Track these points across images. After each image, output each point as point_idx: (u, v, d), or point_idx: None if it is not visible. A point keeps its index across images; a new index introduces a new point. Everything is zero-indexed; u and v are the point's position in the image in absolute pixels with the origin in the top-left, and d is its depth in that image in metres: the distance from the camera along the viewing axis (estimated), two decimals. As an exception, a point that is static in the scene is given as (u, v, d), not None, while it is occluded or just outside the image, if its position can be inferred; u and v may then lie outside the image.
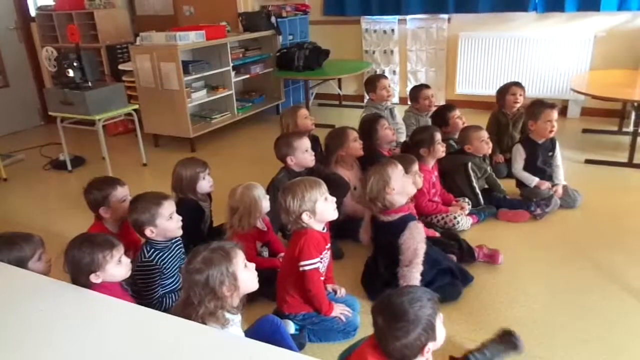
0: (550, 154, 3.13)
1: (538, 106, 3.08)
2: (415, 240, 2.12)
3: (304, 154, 2.69)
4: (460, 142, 3.12)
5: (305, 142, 2.71)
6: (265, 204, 2.34)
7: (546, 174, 3.11)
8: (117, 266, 1.75)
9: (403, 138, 3.64)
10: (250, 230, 2.32)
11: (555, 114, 3.03)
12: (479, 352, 1.86)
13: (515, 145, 3.18)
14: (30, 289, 1.48)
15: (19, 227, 2.47)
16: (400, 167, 2.23)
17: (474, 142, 3.01)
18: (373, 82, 3.77)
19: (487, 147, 3.03)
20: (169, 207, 2.02)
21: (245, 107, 5.08)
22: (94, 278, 1.69)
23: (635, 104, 3.61)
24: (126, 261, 1.79)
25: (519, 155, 3.11)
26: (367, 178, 2.21)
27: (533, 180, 3.06)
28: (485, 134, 3.04)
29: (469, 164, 3.01)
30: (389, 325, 1.30)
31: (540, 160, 3.09)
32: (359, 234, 2.49)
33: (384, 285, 2.21)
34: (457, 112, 3.44)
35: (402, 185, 2.19)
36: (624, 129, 4.33)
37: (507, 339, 1.91)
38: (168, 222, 2.02)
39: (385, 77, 3.86)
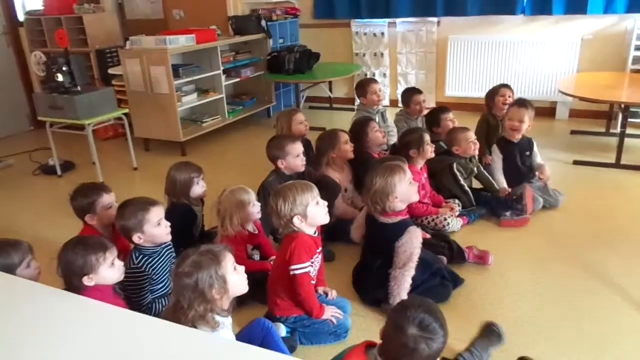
0: (527, 153, 3.17)
1: (509, 106, 3.21)
2: (413, 245, 2.14)
3: (295, 159, 2.70)
4: (447, 144, 3.14)
5: (298, 147, 2.72)
6: (253, 210, 2.33)
7: (522, 174, 3.14)
8: (110, 269, 1.75)
9: (394, 141, 3.66)
10: (240, 233, 2.32)
11: (522, 113, 3.08)
12: (467, 352, 1.88)
13: (493, 146, 3.23)
14: (18, 295, 1.47)
15: (7, 233, 2.46)
16: (408, 175, 2.19)
17: (462, 143, 3.04)
18: (364, 87, 3.78)
19: (474, 148, 3.06)
20: (157, 213, 2.01)
21: (235, 110, 5.08)
22: (87, 281, 1.69)
23: (622, 105, 3.66)
24: (119, 264, 1.79)
25: (496, 156, 3.18)
26: (372, 178, 2.16)
27: (502, 184, 3.12)
28: (472, 135, 3.07)
29: (454, 165, 3.03)
30: (424, 335, 1.30)
31: (517, 159, 3.13)
32: (349, 235, 2.50)
33: (376, 287, 2.23)
34: (450, 115, 3.48)
35: (406, 194, 2.17)
36: (611, 130, 4.38)
37: (489, 331, 1.96)
38: (156, 229, 2.00)
39: (376, 82, 3.87)
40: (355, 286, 2.36)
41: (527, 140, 3.19)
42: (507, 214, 2.92)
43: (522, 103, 3.15)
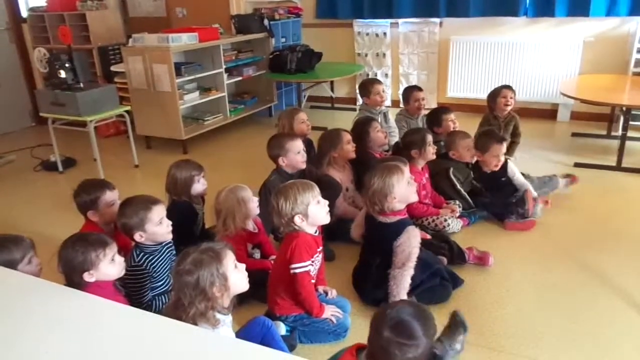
0: (503, 179, 3.08)
1: (487, 139, 3.06)
2: (411, 244, 2.14)
3: (296, 156, 2.70)
4: (446, 147, 3.14)
5: (298, 144, 2.72)
6: (252, 206, 2.33)
7: (501, 197, 3.03)
8: (111, 265, 1.75)
9: (395, 141, 3.66)
10: (240, 232, 2.32)
11: (503, 149, 3.02)
12: (437, 341, 1.86)
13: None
14: (20, 290, 1.47)
15: (8, 229, 2.46)
16: (406, 175, 2.19)
17: (460, 149, 3.03)
18: (367, 87, 3.78)
19: (471, 155, 3.04)
20: (158, 212, 2.01)
21: (237, 109, 5.09)
22: (88, 277, 1.70)
23: (624, 108, 3.66)
24: (119, 260, 1.79)
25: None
26: (370, 179, 2.17)
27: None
28: (471, 143, 3.05)
29: (451, 170, 3.02)
30: (397, 339, 1.25)
31: (492, 186, 3.07)
32: (350, 235, 2.50)
33: (375, 287, 2.23)
34: (451, 116, 3.46)
35: (404, 195, 2.18)
36: (613, 133, 4.38)
37: (454, 322, 1.93)
38: (157, 227, 2.00)
39: (380, 82, 3.85)
40: (355, 286, 2.36)
41: (502, 168, 3.07)
42: (513, 216, 2.92)
43: (499, 138, 3.08)
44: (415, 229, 2.20)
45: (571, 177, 3.26)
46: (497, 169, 3.05)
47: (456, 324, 1.94)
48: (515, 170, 3.12)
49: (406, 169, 2.32)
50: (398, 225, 2.18)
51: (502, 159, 3.03)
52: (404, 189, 2.16)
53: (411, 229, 2.18)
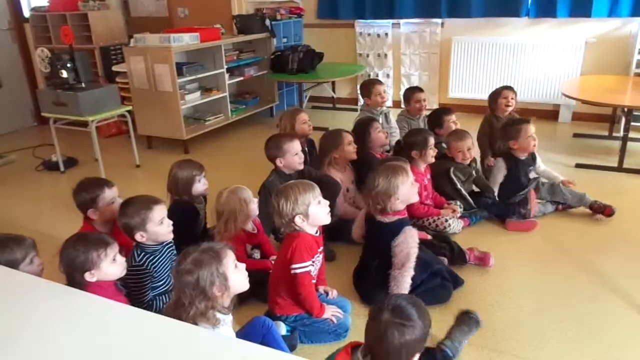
0: (530, 167, 3.12)
1: (515, 125, 3.06)
2: (409, 245, 2.14)
3: (293, 157, 2.71)
4: (446, 147, 3.14)
5: (295, 146, 2.72)
6: (253, 207, 2.34)
7: (523, 187, 3.04)
8: (112, 264, 1.75)
9: (397, 140, 3.65)
10: (239, 233, 2.32)
11: (533, 127, 3.02)
12: (448, 340, 1.91)
13: (497, 160, 3.16)
14: (21, 290, 1.47)
15: (9, 228, 2.46)
16: (410, 177, 2.20)
17: (452, 151, 3.05)
18: (368, 88, 3.77)
19: (463, 157, 3.03)
20: (159, 212, 2.01)
21: (239, 109, 5.09)
22: (89, 276, 1.70)
23: (625, 109, 3.65)
24: (121, 260, 1.80)
25: (499, 170, 3.09)
26: (374, 179, 2.17)
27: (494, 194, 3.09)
28: (465, 145, 3.02)
29: (451, 170, 3.01)
30: (395, 320, 1.28)
31: (523, 175, 3.07)
32: (350, 235, 2.50)
33: (375, 287, 2.23)
34: (453, 117, 3.44)
35: (408, 195, 2.19)
36: (614, 134, 4.38)
37: (466, 319, 1.99)
38: (159, 227, 2.01)
39: (381, 83, 3.85)
40: (356, 286, 2.37)
41: (532, 156, 3.14)
42: (514, 217, 2.91)
43: (525, 120, 3.12)
44: (412, 230, 2.21)
45: (606, 210, 2.97)
46: (535, 149, 3.06)
47: (470, 322, 1.97)
48: (540, 163, 3.21)
49: (409, 170, 2.33)
50: (396, 225, 2.19)
51: (536, 137, 3.03)
52: (407, 189, 2.17)
53: (408, 229, 2.18)
